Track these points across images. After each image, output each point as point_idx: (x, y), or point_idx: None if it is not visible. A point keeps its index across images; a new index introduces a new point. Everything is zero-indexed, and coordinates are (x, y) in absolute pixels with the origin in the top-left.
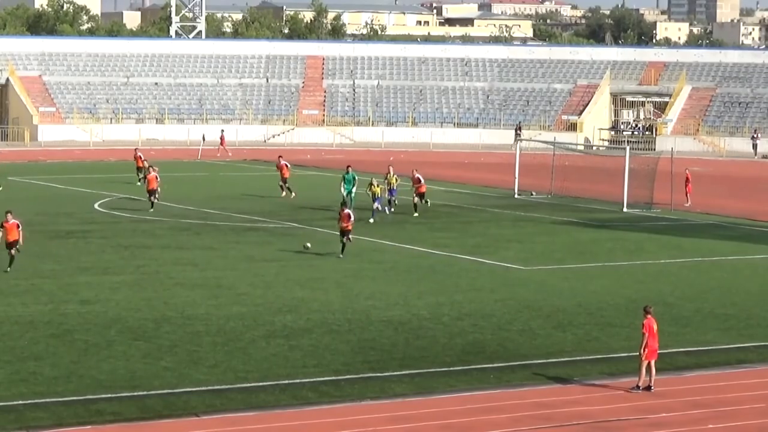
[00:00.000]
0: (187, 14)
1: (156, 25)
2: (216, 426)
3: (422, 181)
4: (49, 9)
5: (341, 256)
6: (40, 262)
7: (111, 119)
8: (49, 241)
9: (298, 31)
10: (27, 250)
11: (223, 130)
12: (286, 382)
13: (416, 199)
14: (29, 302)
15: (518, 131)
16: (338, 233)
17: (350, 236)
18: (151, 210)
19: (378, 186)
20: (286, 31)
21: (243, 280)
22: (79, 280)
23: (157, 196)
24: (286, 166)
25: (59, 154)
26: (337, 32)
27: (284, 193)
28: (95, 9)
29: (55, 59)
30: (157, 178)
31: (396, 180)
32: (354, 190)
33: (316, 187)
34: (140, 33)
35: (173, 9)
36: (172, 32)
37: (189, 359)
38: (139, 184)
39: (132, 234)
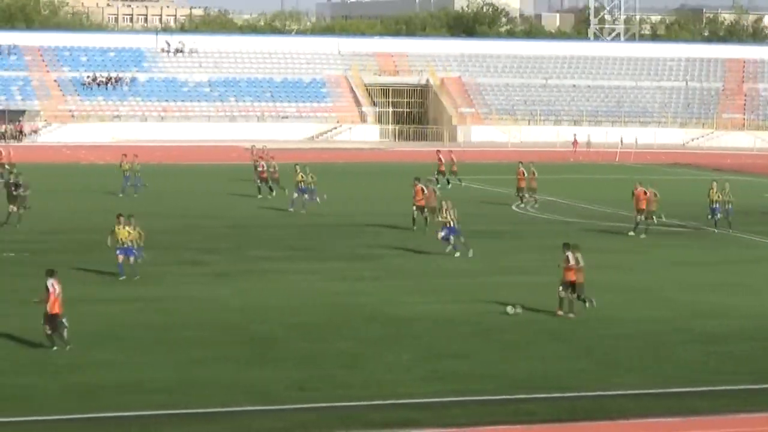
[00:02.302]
0: (606, 16)
1: (575, 27)
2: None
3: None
4: (470, 11)
5: (572, 315)
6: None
7: (528, 120)
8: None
9: (718, 34)
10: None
11: (575, 134)
12: (704, 389)
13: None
14: (448, 300)
15: None
16: (565, 286)
17: (582, 294)
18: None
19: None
20: (706, 33)
21: (668, 283)
22: (498, 280)
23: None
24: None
25: (477, 154)
26: (758, 35)
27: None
28: (514, 11)
29: (474, 60)
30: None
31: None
32: None
33: (746, 194)
34: (558, 35)
35: (592, 11)
36: (591, 34)
37: (606, 361)
38: (450, 187)
39: (547, 235)
